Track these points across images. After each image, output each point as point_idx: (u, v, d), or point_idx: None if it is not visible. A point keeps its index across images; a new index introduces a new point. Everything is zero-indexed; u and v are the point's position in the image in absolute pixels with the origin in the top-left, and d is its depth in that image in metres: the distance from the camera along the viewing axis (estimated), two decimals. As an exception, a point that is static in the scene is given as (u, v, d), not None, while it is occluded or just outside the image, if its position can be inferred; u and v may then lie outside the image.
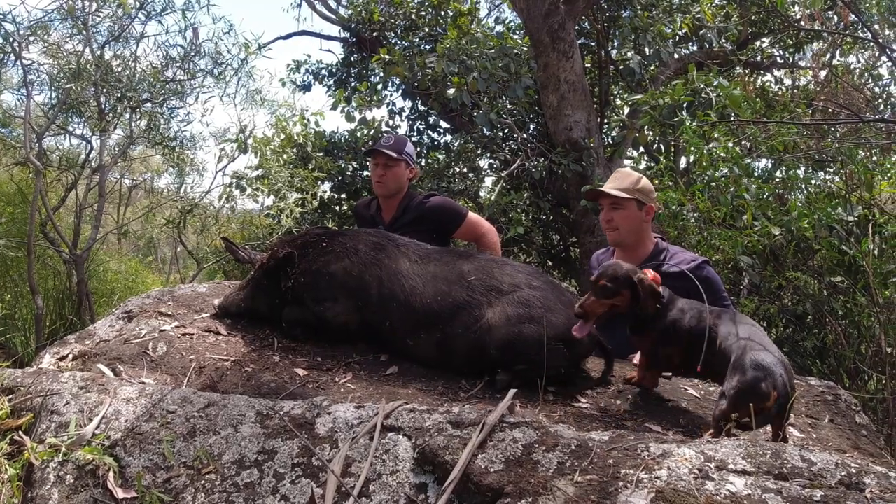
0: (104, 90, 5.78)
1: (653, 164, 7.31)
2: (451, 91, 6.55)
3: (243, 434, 1.92)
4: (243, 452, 1.87)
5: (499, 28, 8.89)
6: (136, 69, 6.04)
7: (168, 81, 6.17)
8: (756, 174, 5.16)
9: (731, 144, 5.07)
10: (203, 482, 1.81)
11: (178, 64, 6.23)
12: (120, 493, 1.79)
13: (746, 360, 1.99)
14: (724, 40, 7.83)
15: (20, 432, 2.02)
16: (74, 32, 5.97)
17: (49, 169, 6.67)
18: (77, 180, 6.82)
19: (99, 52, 5.95)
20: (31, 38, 5.79)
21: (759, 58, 8.70)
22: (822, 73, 8.15)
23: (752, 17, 8.14)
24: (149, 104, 6.12)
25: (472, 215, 3.65)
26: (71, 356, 2.54)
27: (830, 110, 7.02)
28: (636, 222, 3.11)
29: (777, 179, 5.33)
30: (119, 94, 5.74)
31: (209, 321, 2.87)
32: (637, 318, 2.38)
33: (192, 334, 2.71)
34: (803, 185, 5.22)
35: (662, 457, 1.69)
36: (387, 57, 7.02)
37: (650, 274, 2.39)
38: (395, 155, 3.52)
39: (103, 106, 5.95)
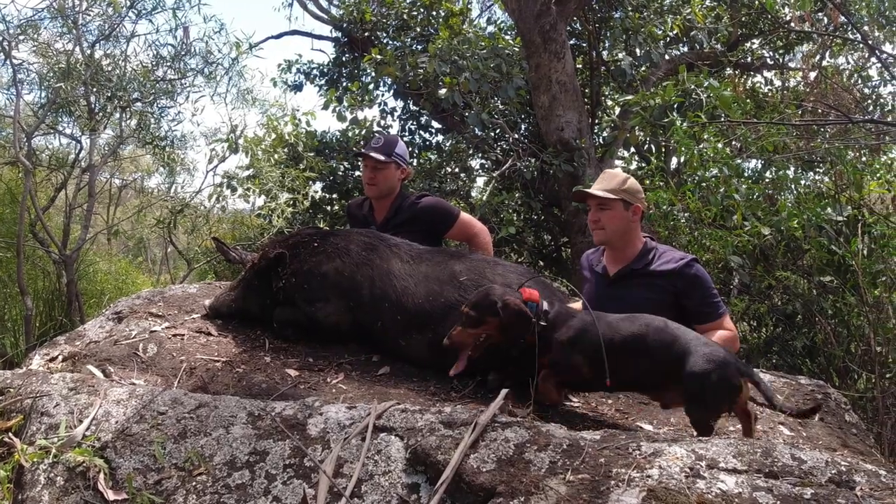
0: (94, 89, 5.76)
1: (643, 165, 7.34)
2: (443, 91, 6.56)
3: (235, 435, 1.92)
4: (235, 454, 1.87)
5: (490, 28, 8.91)
6: (127, 68, 6.01)
7: (158, 81, 6.15)
8: (746, 174, 5.19)
9: (721, 145, 5.09)
10: (194, 483, 1.80)
11: (168, 63, 6.21)
12: (111, 495, 1.78)
13: (699, 359, 1.94)
14: (714, 41, 7.88)
15: (10, 434, 2.01)
16: (64, 31, 5.94)
17: (38, 169, 6.63)
18: (67, 180, 6.78)
19: (89, 52, 5.92)
20: (21, 37, 5.76)
21: (749, 59, 8.75)
22: (812, 75, 8.20)
23: (743, 19, 8.18)
24: (139, 103, 6.09)
25: (465, 215, 3.65)
26: (61, 357, 2.52)
27: (820, 111, 7.07)
28: (622, 222, 3.12)
29: (767, 180, 5.36)
30: (109, 94, 5.71)
31: (200, 322, 2.86)
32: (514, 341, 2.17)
33: (183, 335, 2.70)
34: (793, 186, 5.25)
35: (654, 455, 1.69)
36: (378, 57, 7.02)
37: (526, 293, 2.20)
38: (383, 158, 3.51)
39: (93, 105, 5.93)
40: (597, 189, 3.13)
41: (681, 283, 3.03)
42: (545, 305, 2.19)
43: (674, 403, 2.11)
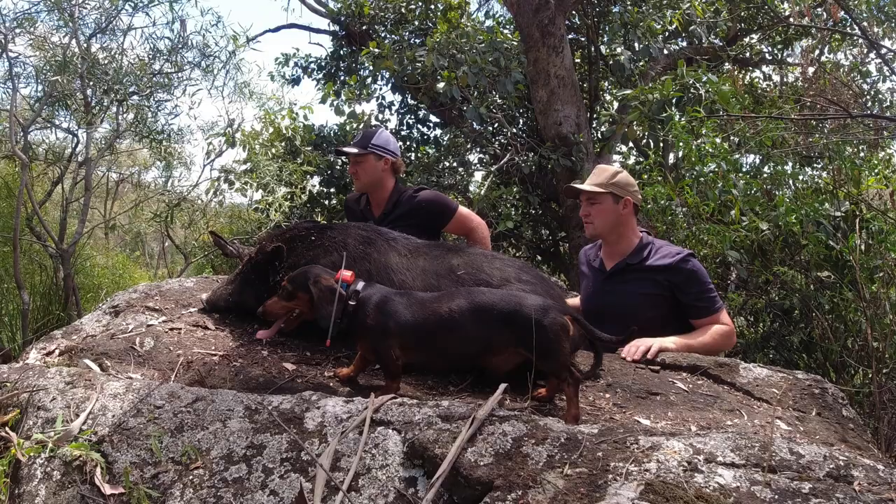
0: (91, 83, 5.73)
1: (642, 160, 7.34)
2: (441, 85, 6.54)
3: (232, 429, 1.91)
4: (232, 447, 1.86)
5: (489, 22, 8.87)
6: (123, 62, 5.98)
7: (155, 74, 6.13)
8: (744, 170, 5.18)
9: (719, 140, 5.09)
10: (191, 477, 1.80)
11: (165, 56, 6.18)
12: (108, 489, 1.77)
13: (527, 312, 2.08)
14: (713, 36, 7.86)
15: (7, 428, 2.01)
16: (61, 25, 5.91)
17: (35, 163, 6.60)
18: (63, 174, 6.76)
19: (85, 45, 5.89)
20: (17, 31, 5.73)
21: (748, 54, 8.74)
22: (811, 70, 8.19)
23: (742, 13, 8.16)
24: (136, 97, 6.07)
25: (463, 209, 3.65)
26: (57, 351, 2.52)
27: (819, 106, 7.07)
28: (612, 215, 3.15)
29: (765, 175, 5.35)
30: (106, 87, 5.69)
31: (197, 316, 2.85)
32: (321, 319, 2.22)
33: (180, 329, 2.70)
34: (791, 181, 5.24)
35: (651, 449, 1.69)
36: (376, 50, 7.00)
37: (341, 274, 2.25)
38: (357, 150, 3.53)
39: (90, 99, 5.90)
40: (587, 184, 3.16)
41: (677, 277, 3.04)
42: (359, 286, 2.25)
43: (508, 365, 2.24)
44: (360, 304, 2.22)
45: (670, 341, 2.87)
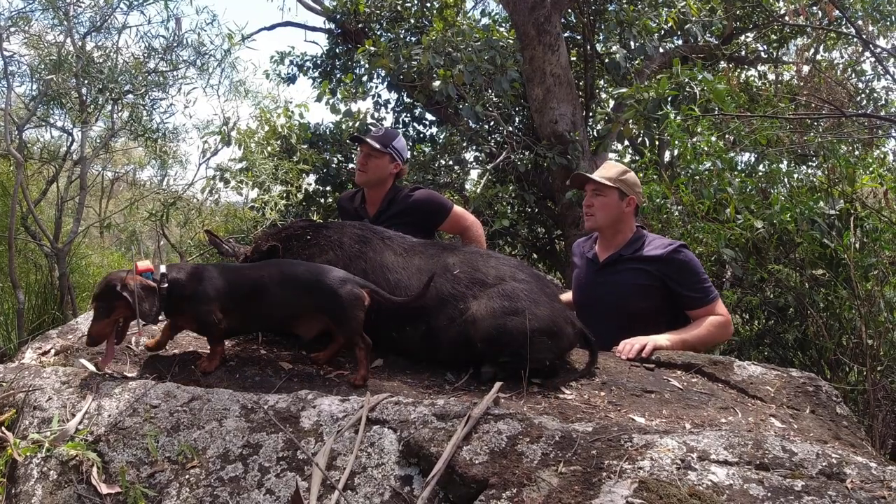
0: (85, 81, 5.71)
1: (637, 158, 7.34)
2: (437, 83, 6.54)
3: (228, 428, 1.92)
4: (228, 446, 1.87)
5: (485, 20, 8.87)
6: (118, 60, 5.96)
7: (150, 73, 6.11)
8: (739, 168, 5.19)
9: (714, 138, 5.09)
10: (187, 476, 1.81)
11: (160, 55, 6.16)
12: (104, 489, 1.78)
13: (328, 283, 2.32)
14: (708, 35, 7.87)
15: (2, 428, 2.01)
16: (56, 23, 5.89)
17: (30, 161, 6.58)
18: (58, 173, 6.74)
19: (80, 43, 5.87)
20: (12, 29, 5.70)
21: (743, 52, 8.75)
22: (806, 69, 8.21)
23: (737, 12, 8.17)
24: (131, 95, 6.04)
25: (458, 208, 3.65)
26: (53, 351, 2.52)
27: (814, 105, 7.08)
28: (615, 211, 3.18)
29: (760, 173, 5.36)
30: (101, 86, 5.67)
31: (193, 315, 2.84)
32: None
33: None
34: (786, 179, 5.25)
35: (645, 447, 1.70)
36: (372, 49, 6.99)
37: (142, 265, 2.29)
38: (378, 146, 3.52)
39: (84, 97, 5.88)
40: (595, 175, 3.18)
41: (669, 268, 3.06)
42: (162, 269, 2.31)
43: (313, 331, 2.45)
44: (172, 284, 2.30)
45: (664, 338, 2.88)
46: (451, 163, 7.61)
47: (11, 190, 5.54)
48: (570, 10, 7.59)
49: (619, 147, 7.99)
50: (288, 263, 2.50)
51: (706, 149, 4.86)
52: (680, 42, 8.19)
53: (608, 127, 7.06)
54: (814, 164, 6.54)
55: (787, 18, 7.31)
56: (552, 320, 2.49)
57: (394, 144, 3.58)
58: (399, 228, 2.99)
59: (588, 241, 3.42)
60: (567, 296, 3.47)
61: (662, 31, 7.75)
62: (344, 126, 7.60)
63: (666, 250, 3.08)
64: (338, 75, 9.02)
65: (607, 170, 3.23)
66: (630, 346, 2.80)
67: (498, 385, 2.06)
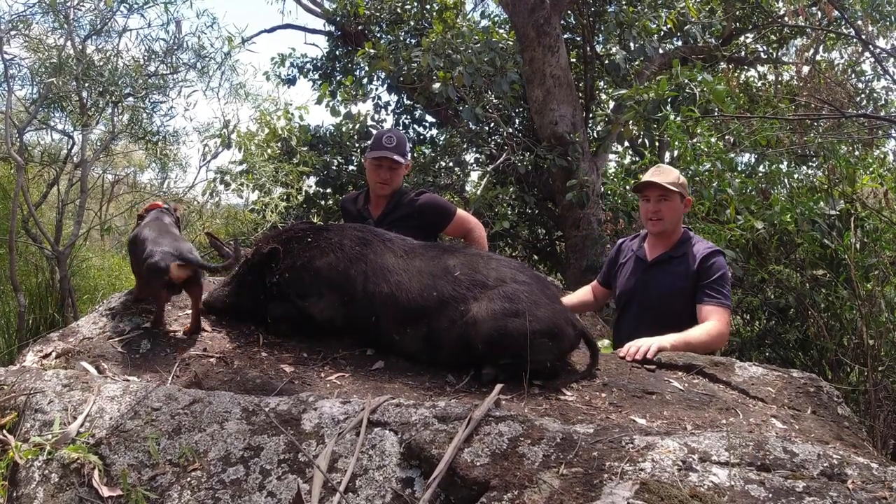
0: (86, 84, 5.72)
1: (637, 159, 7.35)
2: (437, 85, 6.54)
3: (229, 431, 1.92)
4: (229, 449, 1.87)
5: (484, 22, 8.87)
6: (119, 63, 5.97)
7: (150, 76, 6.11)
8: (739, 169, 5.20)
9: (714, 139, 5.10)
10: (189, 479, 1.81)
11: (160, 58, 6.17)
12: (105, 492, 1.78)
13: (148, 251, 2.60)
14: (708, 36, 7.88)
15: (4, 431, 2.00)
16: (56, 26, 5.90)
17: (31, 164, 6.58)
18: (59, 176, 6.74)
19: (81, 47, 5.88)
20: (13, 33, 5.71)
21: (742, 53, 8.76)
22: (806, 69, 8.21)
23: (737, 13, 8.18)
24: (131, 98, 6.05)
25: (461, 212, 3.66)
26: (54, 354, 2.52)
27: (813, 106, 7.09)
28: (679, 213, 3.30)
29: (760, 174, 5.37)
30: (101, 89, 5.67)
31: (194, 317, 2.85)
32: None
33: (177, 331, 2.70)
34: (786, 180, 5.26)
35: (647, 449, 1.70)
36: (372, 51, 7.00)
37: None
38: (401, 160, 3.54)
39: (85, 100, 5.88)
40: (662, 180, 3.26)
41: (701, 266, 3.17)
42: None
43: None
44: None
45: (668, 340, 2.89)
46: (451, 164, 7.62)
47: (12, 193, 5.54)
48: (569, 12, 7.60)
49: (619, 148, 8.00)
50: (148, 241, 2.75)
51: (706, 150, 4.87)
52: (679, 43, 8.20)
53: (608, 128, 7.07)
54: (814, 165, 6.55)
55: (786, 19, 7.32)
56: (553, 322, 2.50)
57: (407, 150, 3.62)
58: (403, 232, 2.99)
59: (635, 239, 3.51)
60: (568, 300, 3.50)
61: (662, 33, 7.76)
62: (344, 128, 7.61)
63: (706, 252, 3.19)
64: (338, 77, 9.03)
65: (667, 174, 3.29)
66: (636, 348, 2.82)
67: (499, 387, 2.06)
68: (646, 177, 3.34)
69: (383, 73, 7.55)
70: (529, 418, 1.88)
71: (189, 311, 2.90)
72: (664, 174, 3.29)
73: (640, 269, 3.35)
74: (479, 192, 6.80)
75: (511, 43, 7.25)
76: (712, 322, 3.03)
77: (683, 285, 3.18)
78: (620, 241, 3.62)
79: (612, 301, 3.81)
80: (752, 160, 5.92)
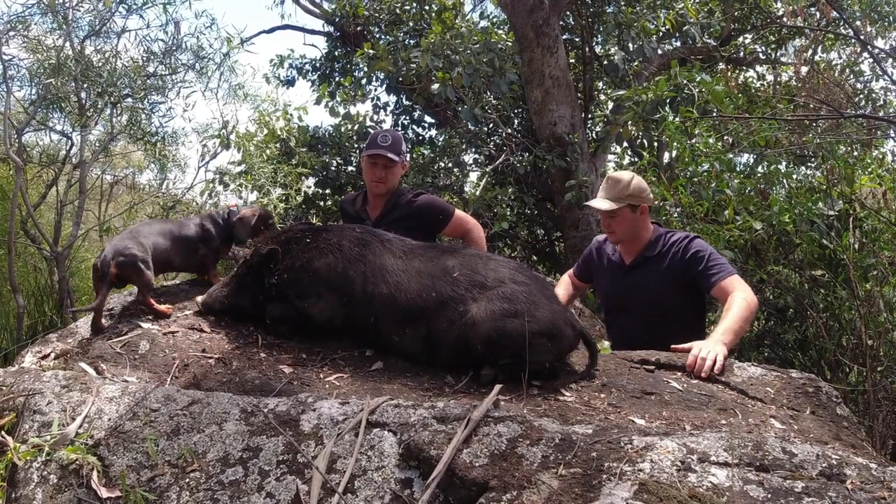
0: (85, 85, 5.72)
1: (636, 160, 7.33)
2: (436, 86, 6.53)
3: (228, 432, 1.92)
4: (228, 450, 1.87)
5: (483, 23, 8.87)
6: (117, 64, 5.96)
7: (149, 76, 6.11)
8: (738, 169, 5.20)
9: (713, 140, 5.10)
10: (187, 480, 1.80)
11: (159, 59, 6.17)
12: (104, 493, 1.78)
13: (110, 250, 2.71)
14: (706, 36, 7.87)
15: (3, 432, 2.00)
16: (55, 27, 5.89)
17: (29, 165, 6.58)
18: (58, 176, 6.74)
19: (79, 47, 5.87)
20: (11, 33, 5.71)
21: (741, 54, 8.75)
22: (804, 70, 8.21)
23: (735, 14, 8.18)
24: (130, 99, 6.05)
25: (459, 212, 3.66)
26: (53, 355, 2.52)
27: (812, 106, 7.09)
28: (632, 224, 3.27)
29: (759, 174, 5.37)
30: (100, 90, 5.67)
31: (193, 318, 2.85)
32: None
33: (176, 332, 2.70)
34: (785, 181, 5.26)
35: (645, 449, 1.70)
36: (371, 51, 6.99)
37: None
38: (396, 158, 3.53)
39: (84, 101, 5.88)
40: (602, 199, 3.25)
41: (684, 257, 3.17)
42: None
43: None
44: None
45: (721, 344, 2.74)
46: (450, 165, 7.61)
47: (11, 194, 5.54)
48: (568, 13, 7.60)
49: (618, 149, 8.00)
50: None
51: (705, 150, 4.87)
52: (678, 44, 8.19)
53: (607, 129, 7.07)
54: (812, 165, 6.55)
55: (785, 19, 7.32)
56: (552, 322, 2.50)
57: (402, 149, 3.61)
58: (402, 232, 2.99)
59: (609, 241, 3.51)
60: (560, 293, 3.51)
61: (661, 33, 7.76)
62: (343, 129, 7.60)
63: (681, 245, 3.20)
64: (337, 78, 9.03)
65: (612, 189, 3.23)
66: (702, 362, 2.64)
67: (498, 387, 2.06)
68: (591, 201, 3.35)
69: (382, 74, 7.54)
70: (528, 419, 1.88)
71: (189, 312, 2.91)
72: (609, 189, 3.25)
73: (620, 273, 3.36)
74: (477, 192, 6.80)
75: (510, 44, 7.25)
76: (736, 291, 2.95)
77: (669, 280, 3.18)
78: (598, 239, 3.60)
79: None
80: (751, 161, 5.92)
